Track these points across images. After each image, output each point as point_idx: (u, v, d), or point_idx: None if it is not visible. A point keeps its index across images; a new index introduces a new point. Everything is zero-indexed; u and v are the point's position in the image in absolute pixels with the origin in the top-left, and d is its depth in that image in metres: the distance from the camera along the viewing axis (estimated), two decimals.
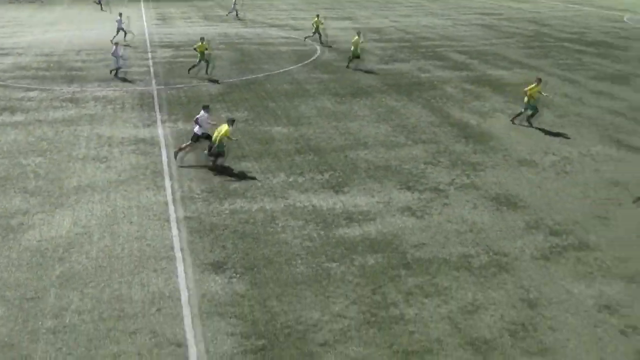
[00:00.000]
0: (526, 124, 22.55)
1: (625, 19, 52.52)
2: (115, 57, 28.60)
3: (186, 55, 34.31)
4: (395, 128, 22.19)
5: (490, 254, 13.67)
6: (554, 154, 19.79)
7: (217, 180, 17.34)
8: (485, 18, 52.93)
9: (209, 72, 29.49)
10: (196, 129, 18.70)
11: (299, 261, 13.21)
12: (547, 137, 21.47)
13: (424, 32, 43.72)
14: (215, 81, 28.39)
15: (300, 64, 32.56)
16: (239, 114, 23.35)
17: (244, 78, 29.08)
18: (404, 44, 39.51)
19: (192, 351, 10.36)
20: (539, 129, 22.17)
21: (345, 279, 12.57)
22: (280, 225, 14.82)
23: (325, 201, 16.15)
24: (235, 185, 17.06)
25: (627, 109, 24.94)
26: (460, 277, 12.73)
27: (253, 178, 17.56)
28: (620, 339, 10.86)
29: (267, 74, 30.03)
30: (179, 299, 11.80)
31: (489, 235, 14.51)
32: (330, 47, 37.65)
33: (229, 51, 35.79)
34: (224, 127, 17.83)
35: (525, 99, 22.21)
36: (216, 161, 18.17)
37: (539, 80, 22.12)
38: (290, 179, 17.54)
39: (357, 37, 31.07)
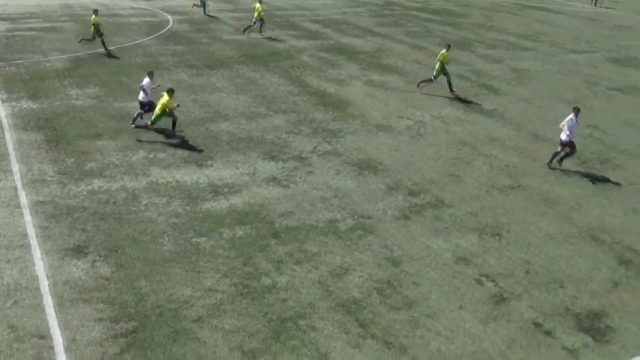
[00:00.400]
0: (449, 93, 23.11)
1: None
2: None
3: (25, 28, 31.75)
4: (255, 99, 22.10)
5: (355, 217, 14.13)
6: (408, 118, 20.71)
7: (70, 160, 16.35)
8: None
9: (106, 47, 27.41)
10: (141, 96, 18.69)
11: (166, 238, 12.87)
12: (402, 102, 22.41)
13: (278, 2, 43.65)
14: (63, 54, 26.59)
15: (152, 36, 31.30)
16: (89, 90, 22.08)
17: (92, 52, 27.48)
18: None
19: (58, 341, 9.80)
20: (394, 95, 23.08)
21: (215, 253, 12.44)
22: (143, 203, 14.31)
23: (189, 176, 15.80)
24: (91, 165, 16.19)
25: (470, 72, 26.59)
26: (329, 242, 13.05)
27: (110, 156, 16.76)
28: (476, 287, 11.72)
29: (118, 46, 28.58)
30: (38, 289, 11.08)
31: (353, 199, 14.97)
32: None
33: (74, 23, 33.59)
34: (165, 98, 17.70)
35: (437, 65, 22.70)
36: (174, 127, 18.23)
37: (448, 46, 23.01)
38: (151, 156, 16.94)
39: (258, 4, 31.44)
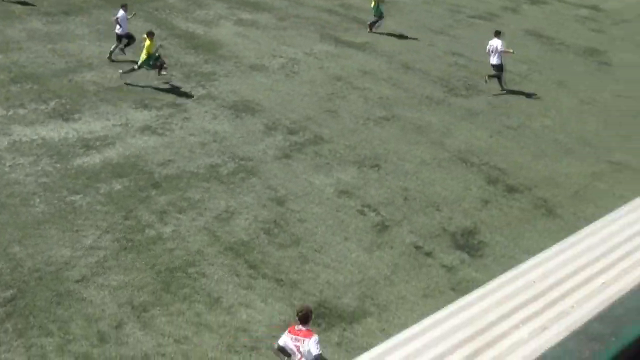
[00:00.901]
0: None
1: None
2: None
3: None
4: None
5: (237, 160, 14.03)
6: (281, 57, 20.55)
7: None
8: None
9: None
10: (117, 29, 19.00)
11: (37, 200, 12.16)
12: (273, 40, 22.14)
13: None
14: None
15: None
16: None
17: None
18: None
19: None
20: (265, 33, 22.74)
21: (93, 210, 11.95)
22: (7, 165, 13.36)
23: (55, 132, 14.88)
24: None
25: (339, 7, 26.62)
26: (211, 188, 12.91)
27: None
28: (359, 217, 12.13)
29: None
30: None
31: (232, 142, 14.81)
32: None
33: None
34: (147, 42, 17.47)
35: (373, 4, 22.75)
36: (161, 71, 17.94)
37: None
38: (10, 113, 15.73)
39: None
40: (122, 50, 19.33)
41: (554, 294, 2.32)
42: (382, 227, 11.84)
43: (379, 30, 22.87)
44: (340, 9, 26.41)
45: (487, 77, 18.21)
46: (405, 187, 13.22)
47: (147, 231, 11.45)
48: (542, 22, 25.24)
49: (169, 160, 13.88)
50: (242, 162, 13.95)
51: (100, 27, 22.76)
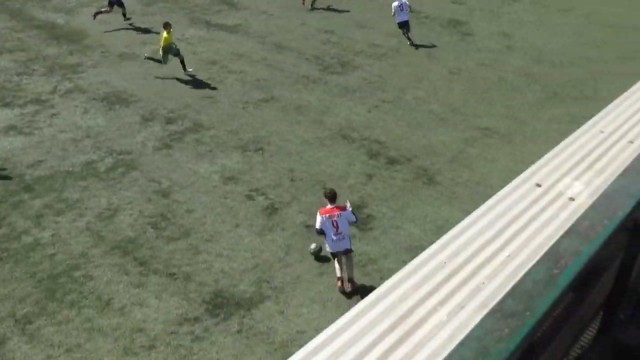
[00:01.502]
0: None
1: None
2: None
3: None
4: None
5: (114, 155, 13.46)
6: (151, 44, 19.81)
7: None
8: None
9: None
10: None
11: None
12: (141, 27, 21.32)
13: None
14: None
15: None
16: None
17: None
18: None
19: None
20: (132, 19, 21.82)
21: None
22: None
23: None
24: None
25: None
26: (90, 186, 12.32)
27: None
28: (248, 203, 12.06)
29: None
30: None
31: (108, 136, 14.19)
32: None
33: None
34: (164, 34, 16.93)
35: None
36: (186, 68, 17.40)
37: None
38: None
39: None
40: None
41: (465, 272, 2.42)
42: (272, 210, 11.84)
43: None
44: None
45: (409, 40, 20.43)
46: (291, 168, 13.28)
47: (23, 238, 10.76)
48: None
49: (40, 161, 13.08)
50: (121, 157, 13.41)
51: None
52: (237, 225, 11.35)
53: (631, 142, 3.87)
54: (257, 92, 16.75)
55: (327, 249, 9.91)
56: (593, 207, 2.83)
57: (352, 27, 22.04)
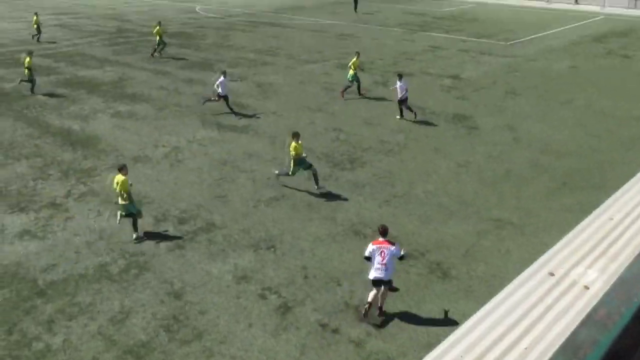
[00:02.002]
0: (358, 96, 25.86)
1: (197, 10, 56.35)
2: None
3: None
4: None
5: (127, 257, 13.47)
6: (164, 146, 20.34)
7: None
8: (62, 18, 50.80)
9: None
10: (220, 90, 23.18)
11: None
12: (154, 130, 21.92)
13: None
14: None
15: None
16: None
17: None
18: None
19: None
20: (145, 124, 22.47)
21: None
22: None
23: None
24: None
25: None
26: (103, 289, 12.26)
27: None
28: (261, 302, 11.92)
29: None
30: None
31: (120, 238, 14.25)
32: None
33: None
34: (292, 144, 16.53)
35: (350, 72, 25.28)
36: (317, 179, 16.96)
37: (358, 54, 25.84)
38: None
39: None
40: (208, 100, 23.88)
41: None
42: (285, 309, 11.68)
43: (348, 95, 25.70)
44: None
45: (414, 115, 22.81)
46: (304, 265, 13.21)
47: (34, 345, 10.60)
48: (411, 94, 26.80)
49: (53, 265, 13.09)
50: (134, 258, 13.41)
51: None
52: (250, 325, 11.17)
53: None
54: (268, 190, 16.94)
55: (369, 276, 11.27)
56: (608, 295, 2.79)
57: (360, 124, 22.57)
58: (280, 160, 19.14)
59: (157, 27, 34.04)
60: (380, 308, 11.38)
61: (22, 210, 15.65)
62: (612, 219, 4.15)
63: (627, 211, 4.35)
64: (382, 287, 11.22)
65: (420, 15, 52.13)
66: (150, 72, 31.03)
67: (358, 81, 25.73)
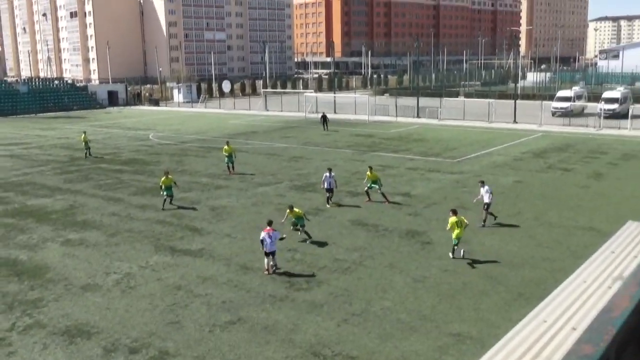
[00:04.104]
0: (382, 199, 28.64)
1: (151, 137, 57.19)
2: None
3: None
4: None
5: None
6: (115, 273, 19.81)
7: None
8: (12, 148, 50.76)
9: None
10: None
11: None
12: (106, 257, 21.43)
13: None
14: None
15: None
16: None
17: None
18: None
19: None
20: (96, 251, 21.98)
21: None
22: None
23: None
24: None
25: (171, 217, 26.82)
26: None
27: None
28: None
29: None
30: None
31: None
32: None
33: None
34: (451, 219, 20.74)
35: (368, 181, 28.52)
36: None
37: (370, 168, 29.30)
38: None
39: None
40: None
41: None
42: None
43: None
44: (172, 219, 26.60)
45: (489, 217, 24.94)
46: None
47: None
48: (364, 213, 27.22)
49: None
50: None
51: None
52: None
53: (574, 328, 3.92)
54: (224, 314, 16.49)
55: None
56: None
57: (314, 244, 22.59)
58: (235, 282, 18.82)
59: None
60: None
61: None
62: (545, 321, 4.19)
63: (559, 313, 4.41)
64: None
65: (369, 137, 54.09)
66: (102, 199, 30.81)
67: (379, 185, 28.81)
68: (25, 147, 51.96)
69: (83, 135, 46.35)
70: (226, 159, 37.21)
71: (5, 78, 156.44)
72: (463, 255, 20.67)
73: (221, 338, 15.15)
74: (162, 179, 28.40)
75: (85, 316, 16.47)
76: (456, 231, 20.41)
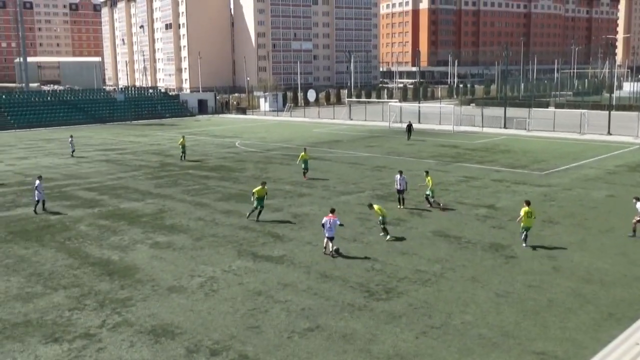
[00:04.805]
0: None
1: (237, 144, 58.65)
2: None
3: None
4: (29, 278, 20.29)
5: None
6: (199, 276, 20.40)
7: None
8: (108, 154, 53.36)
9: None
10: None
11: None
12: (191, 260, 22.12)
13: (46, 173, 41.80)
14: None
15: None
16: None
17: None
18: (24, 188, 37.07)
19: None
20: (182, 254, 22.74)
21: None
22: None
23: None
24: None
25: (255, 224, 27.34)
26: None
27: None
28: None
29: None
30: None
31: None
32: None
33: None
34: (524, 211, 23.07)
35: (430, 190, 29.45)
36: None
37: (427, 172, 30.80)
38: None
39: None
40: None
41: None
42: None
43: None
44: (256, 225, 27.11)
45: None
46: None
47: None
48: (447, 224, 26.76)
49: None
50: None
51: (8, 261, 22.22)
52: None
53: None
54: (303, 321, 16.63)
55: None
56: None
57: (395, 254, 22.42)
58: (315, 290, 18.94)
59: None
60: None
61: (55, 340, 15.58)
62: (638, 343, 3.97)
63: None
64: None
65: (453, 148, 53.20)
66: (189, 204, 31.85)
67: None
68: (120, 152, 54.50)
69: (182, 140, 49.22)
70: (302, 164, 38.78)
71: (104, 87, 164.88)
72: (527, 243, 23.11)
73: (299, 345, 15.28)
74: (258, 188, 27.50)
75: (170, 317, 17.04)
76: (526, 221, 22.92)
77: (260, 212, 27.49)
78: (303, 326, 16.34)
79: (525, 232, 23.13)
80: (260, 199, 27.33)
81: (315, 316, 16.96)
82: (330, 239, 22.17)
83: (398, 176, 29.62)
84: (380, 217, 24.45)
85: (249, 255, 22.70)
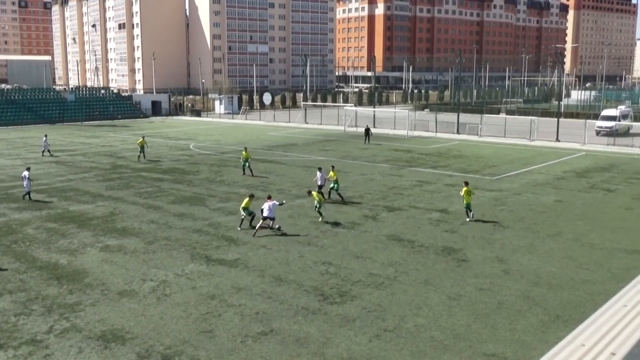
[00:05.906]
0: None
1: (191, 147, 58.01)
2: None
3: None
4: None
5: None
6: (151, 280, 20.08)
7: None
8: (58, 155, 52.06)
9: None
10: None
11: None
12: (143, 264, 21.74)
13: None
14: None
15: None
16: None
17: None
18: None
19: None
20: (134, 258, 22.33)
21: None
22: None
23: None
24: None
25: (208, 226, 27.09)
26: None
27: None
28: None
29: None
30: None
31: None
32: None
33: None
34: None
35: (465, 198, 28.35)
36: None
37: (333, 167, 34.03)
38: None
39: None
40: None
41: None
42: None
43: None
44: (209, 228, 26.85)
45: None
46: None
47: None
48: (400, 227, 27.04)
49: None
50: None
51: None
52: None
53: (613, 354, 3.79)
54: (256, 325, 16.54)
55: None
56: None
57: (349, 258, 22.51)
58: (269, 293, 18.86)
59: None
60: None
61: (0, 347, 15.09)
62: (583, 345, 4.08)
63: (600, 336, 4.29)
64: None
65: (408, 152, 53.83)
66: (142, 206, 31.32)
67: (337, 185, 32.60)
68: (70, 154, 53.25)
69: (141, 140, 49.28)
70: (243, 162, 41.04)
71: (54, 86, 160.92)
72: (473, 217, 28.03)
73: (253, 349, 15.18)
74: (245, 200, 26.72)
75: (121, 322, 16.70)
76: (467, 198, 27.74)
77: (252, 218, 26.87)
78: (257, 330, 16.25)
79: (467, 209, 28.01)
80: (247, 208, 26.73)
81: (269, 320, 16.89)
82: (272, 219, 25.44)
83: (319, 173, 33.19)
84: (317, 202, 27.92)
85: (203, 258, 22.46)
